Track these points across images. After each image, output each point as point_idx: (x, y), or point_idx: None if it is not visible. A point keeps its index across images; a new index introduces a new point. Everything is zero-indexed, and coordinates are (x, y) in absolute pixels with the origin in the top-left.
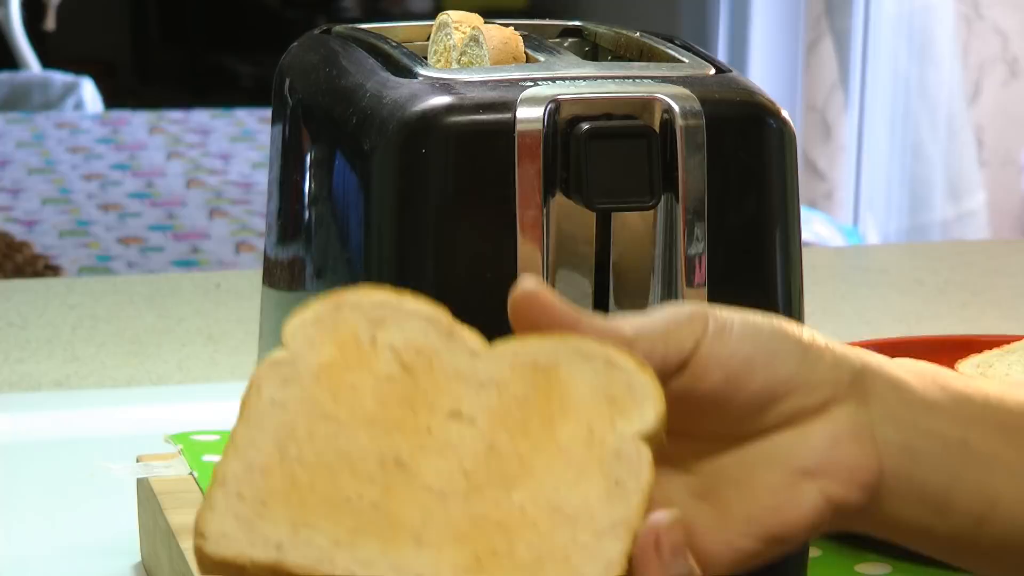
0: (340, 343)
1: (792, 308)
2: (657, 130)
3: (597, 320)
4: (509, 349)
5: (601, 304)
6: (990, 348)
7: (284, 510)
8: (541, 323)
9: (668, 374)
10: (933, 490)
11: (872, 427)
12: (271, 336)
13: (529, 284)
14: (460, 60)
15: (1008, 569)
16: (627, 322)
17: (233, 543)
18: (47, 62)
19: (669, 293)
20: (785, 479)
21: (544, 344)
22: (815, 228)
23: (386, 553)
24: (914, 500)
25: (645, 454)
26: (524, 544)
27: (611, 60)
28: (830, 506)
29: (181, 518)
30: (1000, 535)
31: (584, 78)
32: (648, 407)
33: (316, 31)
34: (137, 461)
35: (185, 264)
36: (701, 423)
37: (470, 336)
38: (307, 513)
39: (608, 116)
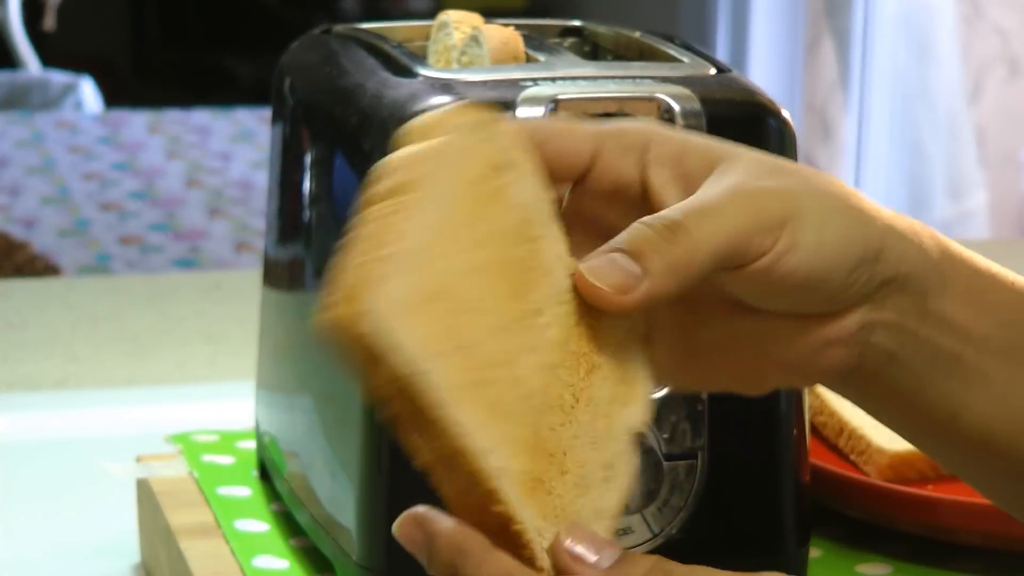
0: (473, 191)
1: None
2: None
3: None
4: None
5: None
6: None
7: (432, 319)
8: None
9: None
10: (905, 389)
11: (871, 331)
12: (271, 336)
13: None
14: (460, 60)
15: (980, 464)
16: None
17: (384, 322)
18: (46, 62)
19: None
20: (765, 365)
21: None
22: None
23: (485, 427)
24: (879, 392)
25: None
26: (566, 483)
27: (611, 60)
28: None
29: (181, 518)
30: (971, 431)
31: (584, 78)
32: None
33: (316, 31)
34: (137, 461)
35: (185, 264)
36: (721, 289)
37: (559, 231)
38: (445, 340)
39: (608, 116)
